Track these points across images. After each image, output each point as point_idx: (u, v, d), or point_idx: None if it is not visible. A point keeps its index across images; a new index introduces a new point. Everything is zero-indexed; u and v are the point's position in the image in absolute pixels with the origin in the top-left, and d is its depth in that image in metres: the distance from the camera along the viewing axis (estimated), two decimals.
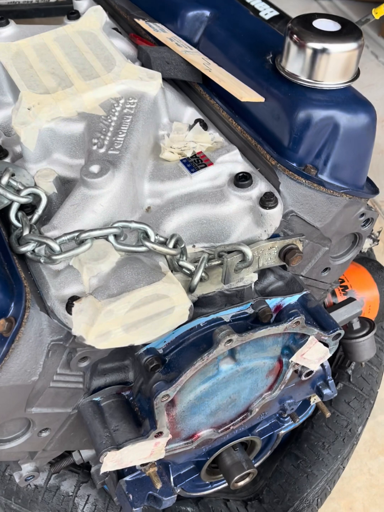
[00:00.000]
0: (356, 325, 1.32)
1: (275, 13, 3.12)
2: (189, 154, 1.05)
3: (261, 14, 3.12)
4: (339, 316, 1.27)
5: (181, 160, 1.04)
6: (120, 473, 1.13)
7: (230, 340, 0.89)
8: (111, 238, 0.90)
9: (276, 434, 1.28)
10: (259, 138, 1.05)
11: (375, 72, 3.09)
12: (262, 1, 3.19)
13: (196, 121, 1.11)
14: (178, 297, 0.88)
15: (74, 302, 0.84)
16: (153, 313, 0.88)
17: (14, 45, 1.16)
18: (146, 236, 0.92)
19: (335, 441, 1.38)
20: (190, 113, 1.16)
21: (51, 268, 0.91)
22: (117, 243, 0.90)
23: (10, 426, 0.96)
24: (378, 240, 1.67)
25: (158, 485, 1.05)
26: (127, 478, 1.10)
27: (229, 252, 0.96)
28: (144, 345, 0.97)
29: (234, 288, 1.01)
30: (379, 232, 1.96)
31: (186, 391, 0.95)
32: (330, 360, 1.51)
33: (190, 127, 1.11)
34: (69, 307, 0.85)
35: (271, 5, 3.16)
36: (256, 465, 1.33)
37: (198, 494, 1.29)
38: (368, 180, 1.12)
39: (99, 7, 1.24)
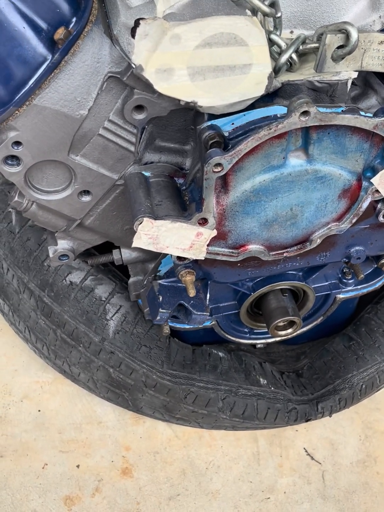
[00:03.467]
0: None
1: None
2: None
3: None
4: None
5: None
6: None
7: (306, 112, 0.76)
8: None
9: (333, 295, 1.14)
10: None
11: None
12: None
13: None
14: (259, 50, 0.76)
15: (140, 21, 0.74)
16: (226, 62, 0.76)
17: None
18: None
19: None
20: None
21: (127, 4, 0.81)
22: None
23: (51, 176, 0.89)
24: None
25: (192, 293, 0.96)
26: (162, 282, 1.02)
27: (327, 30, 0.82)
28: (209, 120, 0.86)
29: (326, 81, 0.87)
30: None
31: (243, 175, 0.83)
32: None
33: None
34: (134, 29, 0.75)
35: None
36: (305, 329, 1.21)
37: (234, 338, 1.19)
38: None
39: None
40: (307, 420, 1.23)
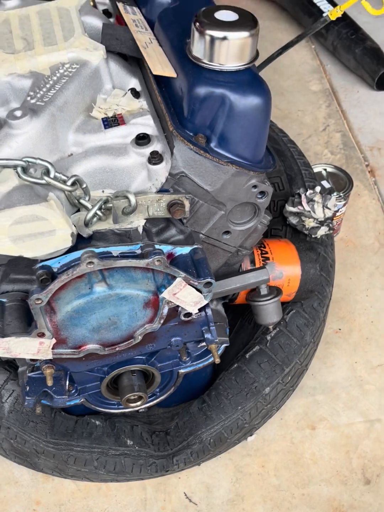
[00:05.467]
0: (263, 290, 1.46)
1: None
2: (110, 114, 1.26)
3: (324, 15, 3.22)
4: (246, 279, 1.43)
5: (103, 119, 1.26)
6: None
7: (91, 263, 1.10)
8: (19, 169, 1.14)
9: (176, 372, 1.46)
10: (170, 108, 1.24)
11: None
12: (329, 3, 3.27)
13: (130, 89, 1.31)
14: (57, 221, 1.10)
15: None
16: (35, 231, 1.11)
17: (5, 13, 1.43)
18: (47, 172, 1.14)
19: (238, 394, 1.54)
20: (134, 82, 1.36)
21: None
22: (23, 174, 1.14)
23: None
24: (333, 229, 1.78)
25: (49, 383, 1.28)
26: (30, 374, 1.35)
27: (116, 196, 1.17)
28: (42, 261, 1.20)
29: (123, 229, 1.21)
30: (336, 221, 2.06)
31: (63, 302, 1.17)
32: (256, 327, 1.66)
33: (125, 94, 1.31)
34: None
35: (334, 6, 3.24)
36: (161, 398, 1.52)
37: (104, 410, 1.50)
38: (270, 155, 1.27)
39: None
40: (167, 471, 1.53)
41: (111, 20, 1.57)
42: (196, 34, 1.15)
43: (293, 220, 1.80)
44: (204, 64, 1.17)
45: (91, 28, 1.44)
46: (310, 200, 1.81)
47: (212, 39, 1.13)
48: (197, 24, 1.14)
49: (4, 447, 1.56)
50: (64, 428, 1.49)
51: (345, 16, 3.20)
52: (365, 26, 3.15)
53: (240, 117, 1.17)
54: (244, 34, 1.13)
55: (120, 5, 1.49)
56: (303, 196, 1.81)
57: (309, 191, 1.83)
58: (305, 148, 2.77)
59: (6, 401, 1.48)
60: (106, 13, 1.60)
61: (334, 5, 3.28)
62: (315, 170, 2.19)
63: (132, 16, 1.44)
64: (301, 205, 1.80)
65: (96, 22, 1.47)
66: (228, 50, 1.14)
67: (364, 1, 1.67)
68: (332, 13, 1.64)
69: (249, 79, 1.18)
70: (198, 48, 1.16)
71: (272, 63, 1.91)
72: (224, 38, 1.13)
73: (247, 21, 1.14)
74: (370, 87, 3.03)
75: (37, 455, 1.50)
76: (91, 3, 1.55)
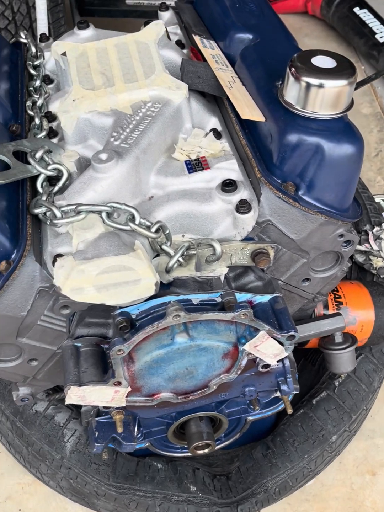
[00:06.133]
0: (338, 338, 1.41)
1: None
2: (193, 156, 1.22)
3: (377, 36, 3.17)
4: (321, 326, 1.38)
5: (185, 161, 1.22)
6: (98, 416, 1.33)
7: (178, 315, 1.06)
8: (104, 214, 1.10)
9: (244, 418, 1.41)
10: (256, 153, 1.20)
11: None
12: (382, 24, 3.21)
13: (211, 130, 1.27)
14: (143, 271, 1.06)
15: (57, 258, 1.05)
16: (120, 281, 1.07)
17: (82, 46, 1.40)
18: (132, 218, 1.11)
19: (305, 442, 1.49)
20: (214, 122, 1.32)
21: (55, 230, 1.13)
22: (107, 220, 1.10)
23: (6, 350, 1.20)
24: None
25: (119, 429, 1.24)
26: (99, 419, 1.31)
27: (199, 244, 1.13)
28: (121, 308, 1.16)
29: (205, 277, 1.17)
30: None
31: (143, 352, 1.13)
32: (322, 369, 1.61)
33: (206, 135, 1.27)
34: (54, 262, 1.06)
35: None
36: (226, 443, 1.47)
37: (168, 453, 1.46)
38: (356, 203, 1.23)
39: (160, 22, 1.44)
40: None
41: (185, 51, 1.54)
42: (291, 79, 1.10)
43: (360, 258, 1.75)
44: (296, 111, 1.12)
45: (168, 61, 1.41)
46: (377, 238, 1.76)
47: (308, 85, 1.08)
48: (293, 69, 1.10)
49: (61, 485, 1.52)
50: (126, 470, 1.45)
51: None
52: None
53: (333, 166, 1.12)
54: (342, 82, 1.08)
55: (196, 38, 1.45)
56: (370, 233, 1.76)
57: (376, 228, 1.78)
58: None
59: (68, 440, 1.44)
60: (179, 44, 1.57)
61: None
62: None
63: (211, 51, 1.40)
64: (368, 242, 1.74)
65: (174, 56, 1.43)
66: (324, 98, 1.09)
67: None
68: None
69: (343, 127, 1.13)
70: (291, 93, 1.12)
71: None
72: (321, 86, 1.08)
73: (345, 68, 1.09)
74: None
75: (97, 497, 1.46)
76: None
